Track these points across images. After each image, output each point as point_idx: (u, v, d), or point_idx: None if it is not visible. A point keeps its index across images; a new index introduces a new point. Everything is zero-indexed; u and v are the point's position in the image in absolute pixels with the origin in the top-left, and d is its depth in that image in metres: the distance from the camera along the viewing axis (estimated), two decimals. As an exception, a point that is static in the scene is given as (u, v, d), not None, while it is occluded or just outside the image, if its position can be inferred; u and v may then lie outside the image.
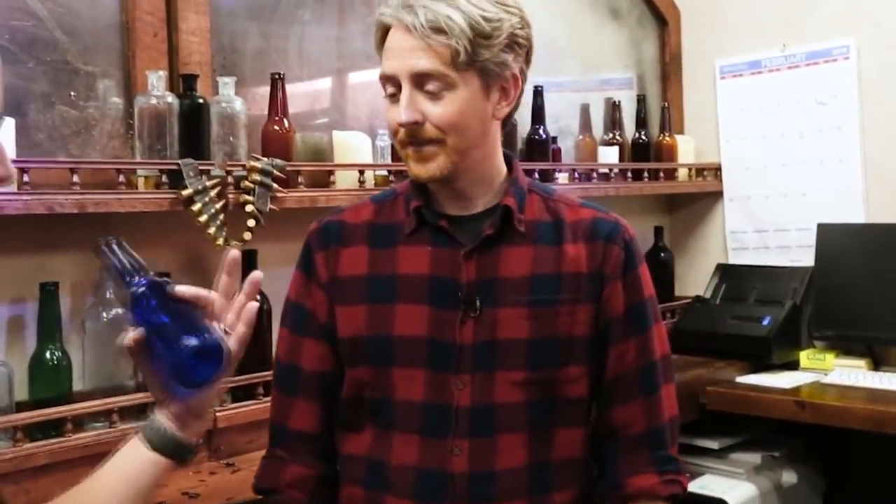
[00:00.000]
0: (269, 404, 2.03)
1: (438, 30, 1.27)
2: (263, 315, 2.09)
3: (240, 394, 2.01)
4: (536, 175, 2.54)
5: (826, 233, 2.87)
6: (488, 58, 1.30)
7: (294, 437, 1.43)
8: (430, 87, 1.29)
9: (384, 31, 1.33)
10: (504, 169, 1.42)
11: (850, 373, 2.66)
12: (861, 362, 2.74)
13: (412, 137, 1.32)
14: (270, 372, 2.05)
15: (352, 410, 1.40)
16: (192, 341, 1.07)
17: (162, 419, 1.14)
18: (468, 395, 1.32)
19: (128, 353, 1.10)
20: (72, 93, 1.88)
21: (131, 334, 1.08)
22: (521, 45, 1.35)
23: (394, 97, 1.33)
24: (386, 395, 1.36)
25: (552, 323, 1.34)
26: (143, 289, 1.10)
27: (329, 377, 1.42)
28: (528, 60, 1.38)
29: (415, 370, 1.34)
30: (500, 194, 1.39)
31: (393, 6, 1.31)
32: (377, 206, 1.45)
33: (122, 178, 1.80)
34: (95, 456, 1.74)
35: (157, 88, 1.87)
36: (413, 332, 1.35)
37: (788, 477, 2.69)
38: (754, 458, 2.64)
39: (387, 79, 1.32)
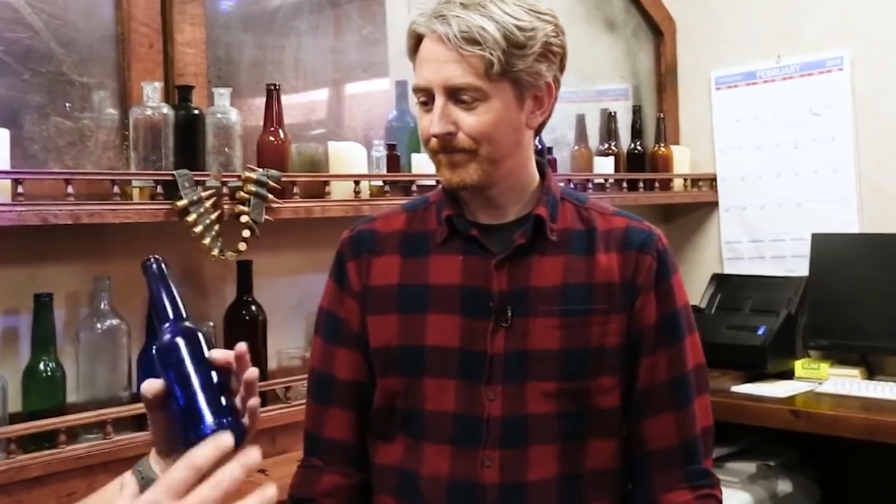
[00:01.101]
0: (263, 415, 2.04)
1: (472, 41, 1.25)
2: (259, 326, 2.09)
3: (234, 404, 2.00)
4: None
5: (821, 243, 2.88)
6: (522, 68, 1.28)
7: (329, 445, 1.43)
8: (464, 97, 1.28)
9: (417, 39, 1.32)
10: (537, 177, 1.41)
11: (845, 382, 2.66)
12: (855, 371, 2.74)
13: (444, 146, 1.31)
14: (265, 383, 2.06)
15: (383, 420, 1.39)
16: (215, 423, 0.98)
17: (157, 471, 1.08)
18: (499, 406, 1.31)
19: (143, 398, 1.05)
20: (67, 104, 1.88)
21: (152, 388, 1.03)
22: (555, 54, 1.33)
23: (426, 105, 1.32)
24: (417, 405, 1.35)
25: (584, 333, 1.32)
26: (178, 338, 1.01)
27: (363, 386, 1.41)
28: (562, 68, 1.37)
29: (446, 380, 1.33)
30: (533, 203, 1.38)
31: (426, 15, 1.30)
32: (409, 214, 1.45)
33: (116, 189, 1.79)
34: (89, 468, 1.76)
35: (152, 99, 1.87)
36: (445, 342, 1.34)
37: (783, 486, 2.70)
38: (749, 467, 2.64)
39: (420, 90, 1.32)
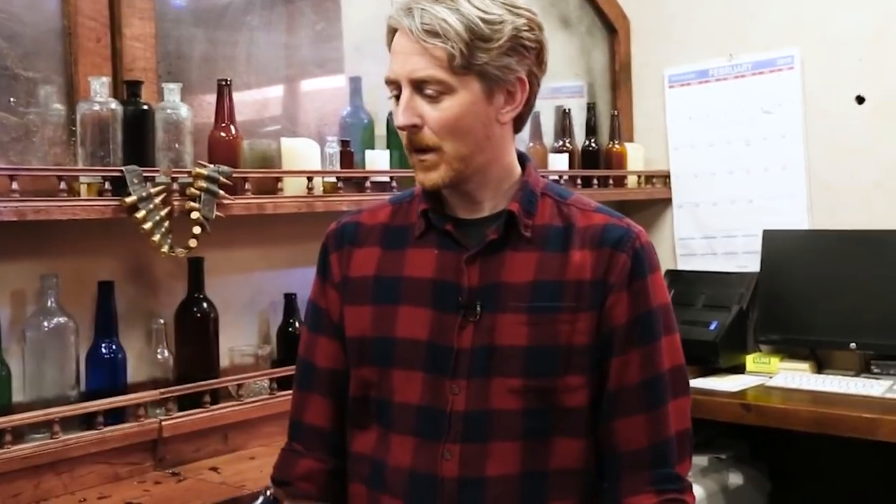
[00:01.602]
0: (214, 413, 2.05)
1: (433, 33, 1.25)
2: (210, 323, 2.07)
3: (186, 402, 1.99)
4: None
5: (771, 239, 2.93)
6: (486, 61, 1.27)
7: (309, 431, 1.45)
8: (429, 91, 1.28)
9: (392, 33, 1.32)
10: (517, 172, 1.40)
11: (794, 376, 2.71)
12: (805, 365, 2.79)
13: (412, 143, 1.31)
14: (217, 380, 2.05)
15: (359, 409, 1.41)
16: None
17: None
18: (463, 400, 1.31)
19: None
20: (11, 99, 1.85)
21: None
22: (528, 48, 1.32)
23: (397, 98, 1.32)
24: (387, 396, 1.36)
25: (551, 331, 1.31)
26: None
27: (341, 375, 1.43)
28: (539, 63, 1.35)
29: (413, 372, 1.34)
30: (509, 198, 1.37)
31: (398, 9, 1.30)
32: (394, 207, 1.46)
33: (63, 186, 1.77)
34: (36, 468, 1.74)
35: (100, 94, 1.84)
36: (414, 334, 1.35)
37: (734, 479, 2.73)
38: (701, 460, 2.67)
39: (389, 82, 1.32)
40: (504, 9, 1.29)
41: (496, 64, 1.29)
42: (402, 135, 1.32)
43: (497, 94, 1.32)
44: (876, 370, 2.68)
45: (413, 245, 1.39)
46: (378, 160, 2.35)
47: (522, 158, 1.42)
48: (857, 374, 2.71)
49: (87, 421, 1.84)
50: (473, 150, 1.32)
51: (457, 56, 1.26)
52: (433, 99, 1.28)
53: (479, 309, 1.32)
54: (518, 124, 1.39)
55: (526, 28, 1.31)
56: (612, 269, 1.33)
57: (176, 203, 1.90)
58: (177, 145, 1.95)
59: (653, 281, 1.36)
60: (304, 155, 2.21)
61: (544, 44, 1.35)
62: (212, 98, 2.10)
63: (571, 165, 2.99)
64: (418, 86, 1.29)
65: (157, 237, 1.86)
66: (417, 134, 1.30)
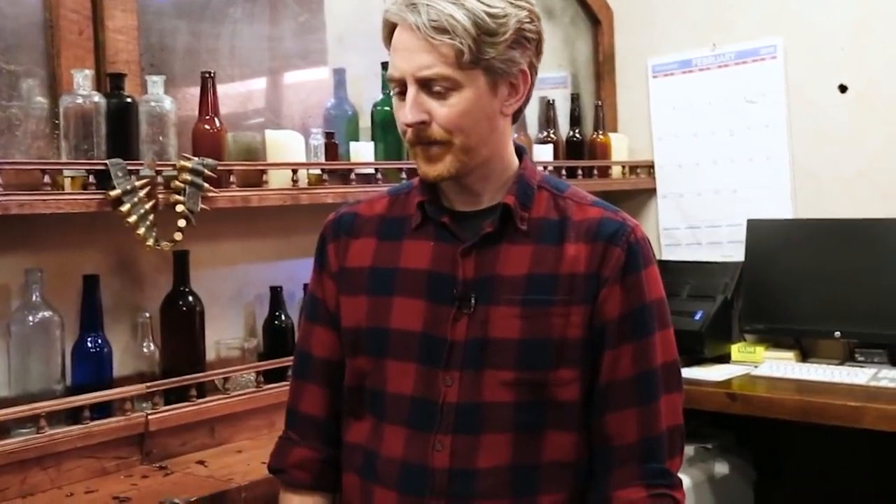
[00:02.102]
0: (201, 407, 2.04)
1: (441, 29, 1.25)
2: (196, 316, 2.07)
3: (172, 396, 1.98)
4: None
5: (756, 228, 2.94)
6: (493, 55, 1.28)
7: (304, 420, 1.48)
8: (437, 88, 1.28)
9: (390, 28, 1.32)
10: (515, 164, 1.40)
11: (779, 365, 2.72)
12: (790, 354, 2.81)
13: (419, 138, 1.31)
14: (203, 374, 2.05)
15: (354, 399, 1.42)
16: None
17: None
18: (455, 392, 1.32)
19: None
20: (-7, 92, 1.84)
21: None
22: (529, 40, 1.32)
23: (401, 95, 1.31)
24: (381, 387, 1.37)
25: (544, 324, 1.32)
26: None
27: (337, 364, 1.45)
28: (537, 54, 1.36)
29: (407, 363, 1.35)
30: (506, 191, 1.38)
31: (398, 3, 1.29)
32: (392, 198, 1.46)
33: (47, 179, 1.76)
34: (22, 462, 1.73)
35: (83, 87, 1.83)
36: (408, 325, 1.36)
37: (720, 468, 2.75)
38: (687, 450, 2.64)
39: (393, 80, 1.32)
40: (506, 2, 1.29)
41: (502, 58, 1.29)
42: (408, 130, 1.31)
43: (501, 86, 1.32)
44: (860, 358, 2.70)
45: (409, 237, 1.40)
46: (363, 152, 2.35)
47: (519, 150, 1.42)
48: (841, 363, 2.73)
49: (74, 415, 1.83)
50: (479, 144, 1.32)
51: (465, 52, 1.26)
52: (440, 95, 1.28)
53: (473, 301, 1.33)
54: (516, 116, 1.40)
55: (528, 20, 1.32)
56: (606, 263, 1.34)
57: (160, 196, 1.90)
58: (161, 138, 1.95)
59: (647, 275, 1.36)
60: (288, 147, 2.21)
61: (543, 34, 1.36)
62: (195, 90, 2.10)
63: (556, 156, 2.99)
64: (425, 83, 1.28)
65: (141, 230, 1.85)
66: (425, 130, 1.30)
